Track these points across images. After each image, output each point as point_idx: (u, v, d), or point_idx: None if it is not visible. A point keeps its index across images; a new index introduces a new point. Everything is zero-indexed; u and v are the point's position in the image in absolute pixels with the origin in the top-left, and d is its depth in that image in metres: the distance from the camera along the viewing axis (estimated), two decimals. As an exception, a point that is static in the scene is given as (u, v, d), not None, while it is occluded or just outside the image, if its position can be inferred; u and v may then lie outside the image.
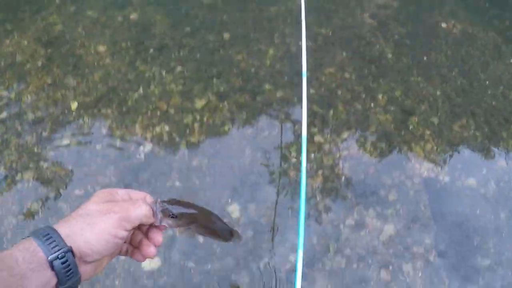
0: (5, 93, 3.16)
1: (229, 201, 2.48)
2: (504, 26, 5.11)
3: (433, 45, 3.94)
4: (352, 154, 2.86)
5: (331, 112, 2.92)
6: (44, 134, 2.85)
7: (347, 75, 3.15)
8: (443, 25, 4.44)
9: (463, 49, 4.08)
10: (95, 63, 3.21)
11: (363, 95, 3.04)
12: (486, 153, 3.11)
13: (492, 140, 3.16)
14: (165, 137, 2.77)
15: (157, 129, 2.80)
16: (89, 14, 3.80)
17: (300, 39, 3.02)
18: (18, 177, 2.63)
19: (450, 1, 5.17)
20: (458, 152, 3.06)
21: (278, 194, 2.56)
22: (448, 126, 3.10)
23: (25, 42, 3.64)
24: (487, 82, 3.71)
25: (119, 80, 3.07)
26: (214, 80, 2.96)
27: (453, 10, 4.92)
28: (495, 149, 3.11)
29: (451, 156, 2.95)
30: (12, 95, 3.15)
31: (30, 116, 2.98)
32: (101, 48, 3.30)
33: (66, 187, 2.56)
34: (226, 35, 3.29)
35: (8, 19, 4.05)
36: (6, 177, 2.62)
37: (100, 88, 3.06)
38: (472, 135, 3.13)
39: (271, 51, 3.21)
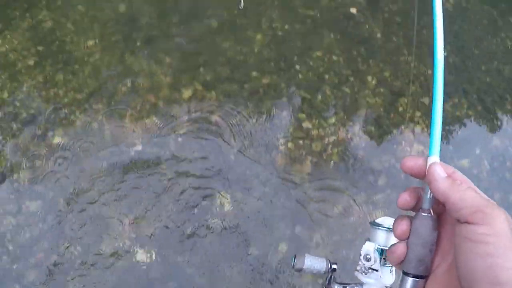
0: (-2, 93, 3.23)
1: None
2: (504, -1, 5.05)
3: (425, 22, 3.87)
4: (340, 139, 2.87)
5: (319, 97, 2.93)
6: (38, 132, 2.89)
7: (335, 58, 3.14)
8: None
9: (457, 25, 4.02)
10: (85, 59, 3.23)
11: (352, 78, 3.03)
12: (480, 132, 3.12)
13: (485, 119, 3.16)
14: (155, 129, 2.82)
15: (147, 121, 2.85)
16: (78, 8, 3.82)
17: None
18: (14, 176, 2.69)
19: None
20: (450, 133, 3.06)
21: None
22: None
23: (16, 41, 3.67)
24: (481, 58, 3.67)
25: (109, 75, 3.11)
26: (201, 69, 2.98)
27: (444, -18, 4.86)
28: (489, 128, 3.12)
29: (442, 137, 2.92)
30: (5, 95, 3.20)
31: (24, 115, 3.03)
32: (90, 43, 3.32)
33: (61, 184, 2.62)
34: (213, 23, 3.28)
35: (-1, 18, 4.09)
36: (2, 176, 2.68)
37: (91, 83, 3.09)
38: (465, 114, 3.13)
39: (258, 37, 3.21)
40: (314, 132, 2.83)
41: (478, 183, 2.63)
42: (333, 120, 2.91)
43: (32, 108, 3.06)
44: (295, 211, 2.62)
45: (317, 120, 2.88)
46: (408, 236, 0.61)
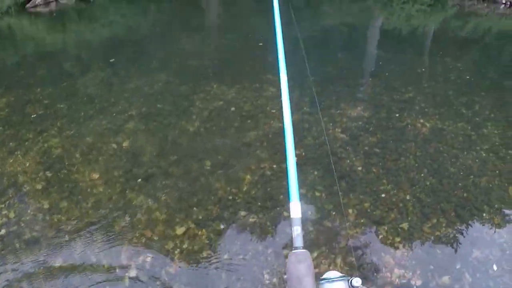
0: (5, 212, 3.46)
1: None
2: (473, 112, 5.42)
3: (402, 150, 4.21)
4: (323, 271, 3.05)
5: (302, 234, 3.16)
6: (39, 255, 3.06)
7: (317, 194, 3.41)
8: (412, 126, 4.76)
9: (432, 148, 4.31)
10: (89, 190, 3.51)
11: (333, 213, 3.27)
12: (460, 247, 3.18)
13: (465, 233, 3.26)
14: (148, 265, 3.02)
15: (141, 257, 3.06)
16: (87, 139, 4.22)
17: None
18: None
19: (419, 100, 5.55)
20: (430, 253, 3.13)
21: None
22: (418, 229, 3.23)
23: (27, 163, 4.00)
24: (458, 175, 3.89)
25: (109, 208, 3.37)
26: (194, 208, 3.25)
27: (421, 108, 5.26)
28: (469, 241, 3.19)
29: (423, 258, 3.05)
30: (12, 215, 3.45)
31: (28, 236, 3.23)
32: (95, 175, 3.64)
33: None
34: (208, 163, 3.62)
35: (13, 137, 4.46)
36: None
37: (92, 215, 3.35)
38: (444, 233, 3.23)
39: (248, 177, 3.53)
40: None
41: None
42: (315, 254, 3.12)
43: (36, 230, 3.27)
44: None
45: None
46: None
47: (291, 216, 1.23)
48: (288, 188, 1.14)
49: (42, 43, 9.27)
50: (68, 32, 10.64)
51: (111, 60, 6.75)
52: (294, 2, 15.04)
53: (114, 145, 4.02)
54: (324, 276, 1.18)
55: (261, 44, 7.71)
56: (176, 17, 12.17)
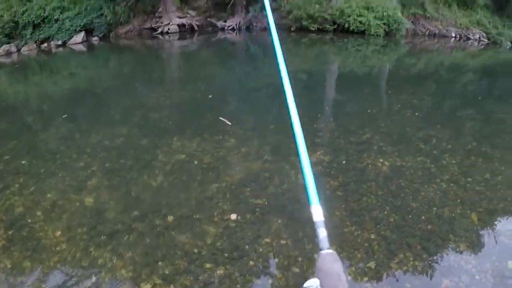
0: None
1: None
2: (430, 145, 5.66)
3: (364, 190, 4.33)
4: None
5: (269, 281, 3.18)
6: None
7: (283, 242, 3.45)
8: (372, 166, 4.93)
9: (393, 185, 4.46)
10: (53, 248, 3.40)
11: (300, 259, 3.30)
12: (429, 278, 3.25)
13: (432, 264, 3.34)
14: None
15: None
16: (48, 196, 4.14)
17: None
18: None
19: (377, 140, 5.76)
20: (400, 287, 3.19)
21: None
22: (385, 266, 3.28)
23: (-13, 224, 3.88)
24: (420, 209, 4.01)
25: (74, 267, 3.29)
26: (160, 263, 3.21)
27: (380, 147, 5.46)
28: (437, 271, 3.27)
29: None
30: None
31: None
32: (58, 233, 3.54)
33: None
34: (171, 217, 3.63)
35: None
36: None
37: (57, 275, 3.25)
38: (412, 266, 3.30)
39: (212, 230, 3.54)
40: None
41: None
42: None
43: (-2, 292, 3.16)
44: None
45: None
46: None
47: (314, 220, 1.26)
48: (306, 193, 1.20)
49: (4, 95, 9.18)
50: (30, 84, 10.59)
51: (63, 116, 6.70)
52: (252, 52, 15.58)
53: (77, 203, 3.97)
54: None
55: (210, 96, 7.87)
56: (137, 69, 12.30)
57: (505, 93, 11.18)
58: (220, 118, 4.39)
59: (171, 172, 4.59)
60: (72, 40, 17.19)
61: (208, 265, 3.16)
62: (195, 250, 3.30)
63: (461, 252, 3.49)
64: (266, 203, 3.99)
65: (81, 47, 16.68)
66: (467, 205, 4.17)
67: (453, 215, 3.98)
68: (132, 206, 3.87)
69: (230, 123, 4.42)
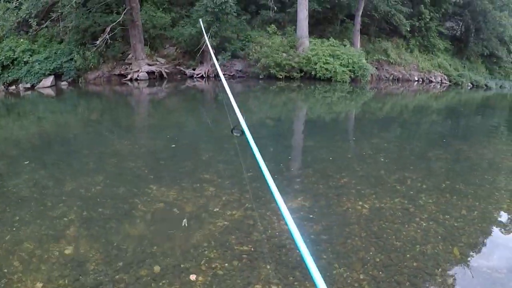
0: None
1: None
2: (406, 186, 5.83)
3: (347, 232, 4.37)
4: None
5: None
6: None
7: (274, 287, 3.39)
8: (352, 209, 4.99)
9: (375, 226, 4.53)
10: None
11: (293, 303, 3.26)
12: None
13: None
14: None
15: None
16: (25, 245, 3.94)
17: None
18: None
19: (354, 183, 5.88)
20: None
21: None
22: None
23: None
24: (404, 248, 4.10)
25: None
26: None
27: (358, 191, 5.56)
28: None
29: None
30: None
31: None
32: (39, 285, 3.35)
33: None
34: (157, 268, 3.52)
35: None
36: None
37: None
38: None
39: (200, 279, 3.45)
40: None
41: None
42: None
43: None
44: None
45: None
46: None
47: None
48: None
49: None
50: (-4, 126, 10.31)
51: (25, 163, 6.53)
52: (220, 98, 15.83)
53: (56, 253, 3.79)
54: None
55: (174, 145, 7.89)
56: (107, 115, 12.22)
57: (469, 131, 11.75)
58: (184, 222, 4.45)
59: (153, 221, 4.49)
60: (41, 84, 17.10)
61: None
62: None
63: (447, 285, 3.62)
64: (252, 249, 3.95)
65: (50, 91, 16.52)
66: (448, 241, 4.31)
67: (436, 251, 4.10)
68: (114, 257, 3.73)
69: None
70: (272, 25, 22.31)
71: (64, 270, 3.53)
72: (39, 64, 17.43)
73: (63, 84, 17.80)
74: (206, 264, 3.65)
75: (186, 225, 4.39)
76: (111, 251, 3.84)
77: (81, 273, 3.48)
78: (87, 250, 3.85)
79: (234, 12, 19.82)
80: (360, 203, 5.14)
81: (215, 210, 4.80)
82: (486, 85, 29.24)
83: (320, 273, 3.42)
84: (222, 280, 3.43)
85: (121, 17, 17.48)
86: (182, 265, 3.63)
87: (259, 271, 3.58)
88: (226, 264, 3.66)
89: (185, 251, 3.87)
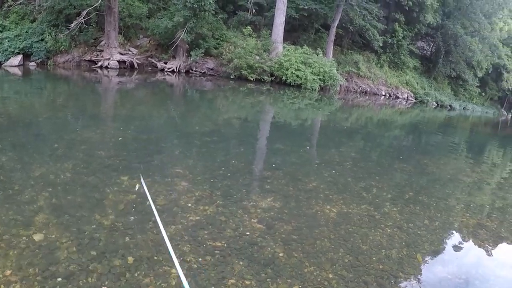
0: None
1: None
2: (372, 195, 6.05)
3: (317, 234, 4.51)
4: None
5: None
6: None
7: (247, 282, 3.46)
8: (321, 212, 5.13)
9: (343, 229, 4.70)
10: None
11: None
12: None
13: None
14: None
15: None
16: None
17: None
18: None
19: (323, 188, 6.04)
20: None
21: None
22: None
23: None
24: (370, 251, 4.29)
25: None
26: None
27: (326, 195, 5.73)
28: None
29: None
30: None
31: None
32: (8, 272, 3.25)
33: None
34: (131, 259, 3.51)
35: None
36: None
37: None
38: None
39: (174, 271, 3.48)
40: None
41: None
42: None
43: None
44: None
45: None
46: None
47: None
48: None
49: None
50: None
51: None
52: (190, 95, 15.72)
53: (25, 238, 3.70)
54: None
55: (145, 137, 7.80)
56: (74, 101, 11.93)
57: (432, 147, 12.23)
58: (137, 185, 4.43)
59: (124, 212, 4.45)
60: (8, 62, 16.54)
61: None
62: (160, 292, 3.22)
63: (412, 287, 3.83)
64: (225, 245, 4.00)
65: (17, 71, 15.97)
66: (412, 247, 4.57)
67: (401, 256, 4.34)
68: (87, 246, 3.69)
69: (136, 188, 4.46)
70: (248, 27, 22.43)
71: (34, 257, 3.44)
72: (8, 41, 16.83)
73: (31, 65, 17.23)
74: (181, 258, 3.67)
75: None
76: (83, 240, 3.79)
77: (52, 261, 3.42)
78: (58, 237, 3.78)
79: (213, 10, 19.81)
80: (328, 207, 5.30)
81: (188, 205, 4.82)
82: (450, 106, 30.50)
83: (292, 271, 3.55)
84: (197, 274, 3.48)
85: (98, 2, 17.10)
86: (155, 257, 3.65)
87: (232, 267, 3.65)
88: (200, 259, 3.70)
89: (158, 244, 3.88)
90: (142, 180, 4.99)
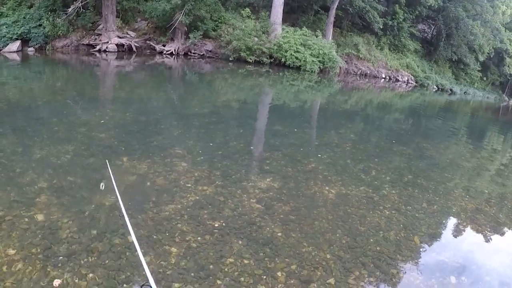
0: None
1: None
2: (371, 177, 6.09)
3: (315, 214, 4.56)
4: None
5: (235, 304, 3.22)
6: None
7: (246, 261, 3.53)
8: (320, 193, 5.18)
9: (341, 211, 4.75)
10: (6, 268, 3.14)
11: (264, 277, 3.39)
12: None
13: (386, 280, 3.64)
14: None
15: None
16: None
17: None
18: None
19: (321, 169, 6.07)
20: None
21: None
22: (344, 282, 3.49)
23: None
24: (368, 233, 4.34)
25: (33, 288, 3.09)
26: (125, 286, 3.11)
27: (325, 177, 5.76)
28: (390, 287, 3.58)
29: None
30: None
31: None
32: (11, 251, 3.31)
33: None
34: (130, 238, 3.55)
35: None
36: None
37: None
38: (368, 282, 3.57)
39: (174, 250, 3.54)
40: None
41: None
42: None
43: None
44: None
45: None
46: None
47: None
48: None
49: None
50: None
51: None
52: (189, 77, 15.66)
53: (27, 219, 3.75)
54: None
55: (144, 119, 7.79)
56: (74, 85, 11.90)
57: (432, 131, 12.23)
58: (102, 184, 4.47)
59: (124, 192, 4.49)
60: (7, 48, 16.45)
61: (176, 285, 3.14)
62: (160, 270, 3.27)
63: (409, 270, 3.88)
64: (223, 224, 4.06)
65: (15, 56, 15.88)
66: (409, 230, 4.62)
67: (398, 238, 4.39)
68: (87, 226, 3.74)
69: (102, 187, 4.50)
70: (247, 8, 22.22)
71: (36, 237, 3.50)
72: (6, 27, 16.71)
73: (30, 50, 17.12)
74: (180, 237, 3.73)
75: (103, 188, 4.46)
76: (83, 220, 3.85)
77: (54, 241, 3.48)
78: (59, 218, 3.84)
79: (211, -9, 19.63)
80: (327, 188, 5.35)
81: (187, 185, 4.87)
82: (451, 90, 30.28)
83: (289, 251, 3.60)
84: (196, 252, 3.54)
85: (96, -15, 16.93)
86: (155, 236, 3.70)
87: (231, 246, 3.71)
88: (199, 238, 3.76)
89: (158, 223, 3.93)
90: (108, 166, 4.97)
